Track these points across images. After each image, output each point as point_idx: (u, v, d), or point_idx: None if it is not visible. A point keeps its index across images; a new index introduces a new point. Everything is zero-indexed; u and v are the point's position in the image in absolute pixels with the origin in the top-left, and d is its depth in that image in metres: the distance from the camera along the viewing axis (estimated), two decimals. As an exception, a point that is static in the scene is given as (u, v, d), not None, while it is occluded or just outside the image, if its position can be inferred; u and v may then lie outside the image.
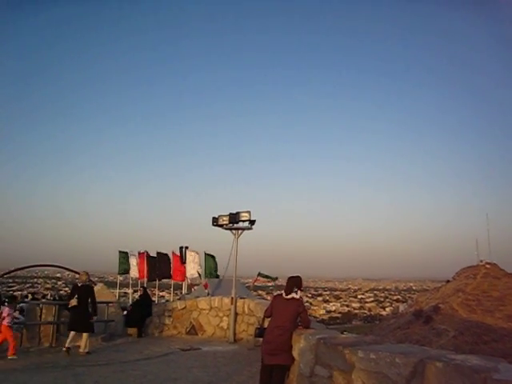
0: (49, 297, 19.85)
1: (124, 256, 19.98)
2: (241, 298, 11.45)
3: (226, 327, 11.60)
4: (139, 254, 18.75)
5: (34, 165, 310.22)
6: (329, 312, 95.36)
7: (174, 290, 18.87)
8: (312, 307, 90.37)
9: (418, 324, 37.06)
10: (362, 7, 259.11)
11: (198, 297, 13.26)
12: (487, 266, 44.56)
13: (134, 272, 19.17)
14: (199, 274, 15.94)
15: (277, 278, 19.00)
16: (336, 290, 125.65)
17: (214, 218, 10.92)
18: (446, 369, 2.96)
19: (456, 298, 39.93)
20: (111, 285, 26.92)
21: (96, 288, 11.94)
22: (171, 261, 17.19)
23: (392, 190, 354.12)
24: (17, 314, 10.46)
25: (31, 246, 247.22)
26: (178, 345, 10.31)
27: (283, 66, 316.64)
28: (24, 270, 24.84)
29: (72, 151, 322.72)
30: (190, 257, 16.25)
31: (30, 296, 17.03)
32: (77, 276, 13.05)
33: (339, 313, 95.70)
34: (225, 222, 10.75)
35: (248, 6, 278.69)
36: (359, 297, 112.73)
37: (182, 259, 16.49)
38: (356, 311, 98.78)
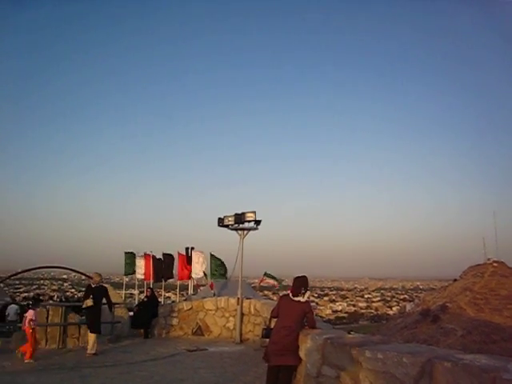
0: (55, 298, 19.94)
1: (130, 257, 19.98)
2: (247, 299, 11.46)
3: (232, 328, 11.60)
4: (145, 254, 18.77)
5: (35, 166, 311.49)
6: (335, 312, 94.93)
7: (180, 290, 18.88)
8: (318, 307, 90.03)
9: (426, 323, 36.77)
10: (362, 6, 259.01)
11: (204, 297, 13.26)
12: (494, 264, 44.18)
13: (139, 273, 19.19)
14: (205, 275, 15.97)
15: (282, 281, 19.04)
16: (342, 289, 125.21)
17: (219, 218, 10.96)
18: (455, 368, 2.92)
19: (463, 296, 39.61)
20: (117, 286, 26.91)
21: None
22: (177, 261, 17.21)
23: (392, 189, 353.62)
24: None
25: (36, 248, 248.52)
26: (185, 345, 10.33)
27: (283, 66, 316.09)
28: (30, 272, 24.93)
29: (72, 151, 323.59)
30: (196, 257, 16.28)
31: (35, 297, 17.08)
32: (83, 277, 13.12)
33: (346, 312, 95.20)
34: (230, 223, 10.78)
35: (248, 6, 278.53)
36: (366, 296, 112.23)
37: (188, 259, 16.53)
38: (363, 311, 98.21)
